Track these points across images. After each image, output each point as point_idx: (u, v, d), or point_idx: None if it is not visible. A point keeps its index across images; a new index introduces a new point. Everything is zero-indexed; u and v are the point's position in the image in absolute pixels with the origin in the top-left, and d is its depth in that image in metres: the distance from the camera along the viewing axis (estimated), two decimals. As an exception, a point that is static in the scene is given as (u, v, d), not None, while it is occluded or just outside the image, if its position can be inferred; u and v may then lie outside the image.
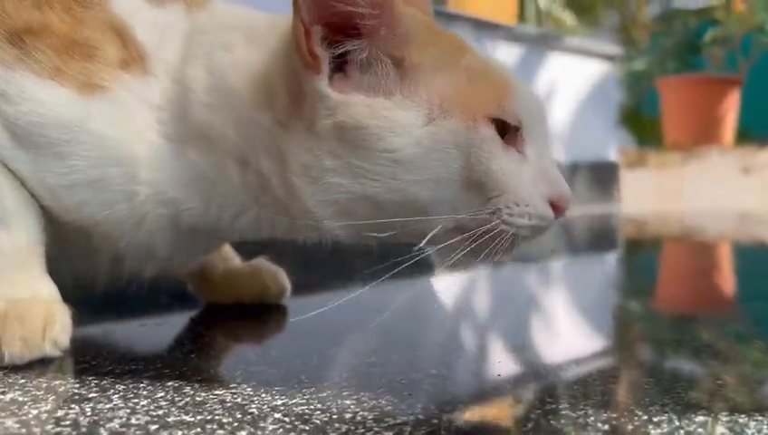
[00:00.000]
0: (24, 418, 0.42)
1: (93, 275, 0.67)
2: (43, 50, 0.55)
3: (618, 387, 0.53)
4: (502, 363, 0.59)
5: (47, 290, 0.58)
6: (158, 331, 0.70)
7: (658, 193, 3.46)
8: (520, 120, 0.54)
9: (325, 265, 1.19)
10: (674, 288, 1.12)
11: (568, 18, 4.54)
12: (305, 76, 0.53)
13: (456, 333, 0.73)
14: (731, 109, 3.60)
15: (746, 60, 3.65)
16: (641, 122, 4.82)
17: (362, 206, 0.54)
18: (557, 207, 0.56)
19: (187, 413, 0.43)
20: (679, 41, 4.61)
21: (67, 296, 0.59)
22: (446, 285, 1.06)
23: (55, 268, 0.60)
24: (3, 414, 0.42)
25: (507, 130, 0.54)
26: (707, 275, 1.26)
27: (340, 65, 0.54)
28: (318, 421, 0.42)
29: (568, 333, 0.74)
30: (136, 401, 0.46)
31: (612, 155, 3.08)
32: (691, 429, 0.41)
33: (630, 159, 3.48)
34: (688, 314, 0.85)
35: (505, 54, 2.53)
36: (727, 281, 1.21)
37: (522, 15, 3.93)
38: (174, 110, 0.57)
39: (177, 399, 0.46)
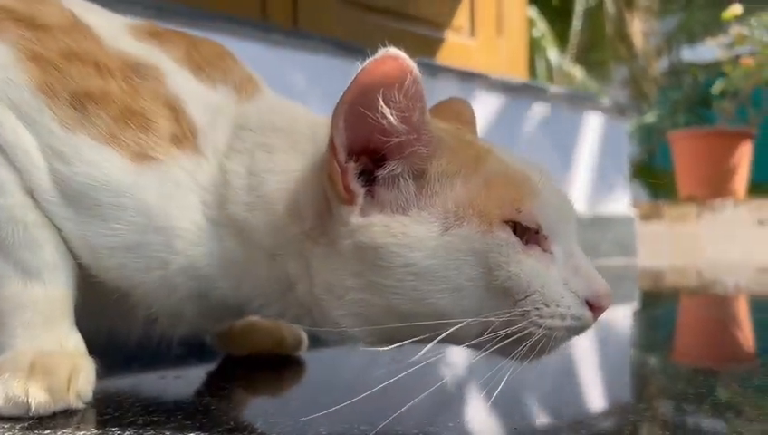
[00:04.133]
0: (50, 468, 0.43)
1: (127, 332, 0.68)
2: (102, 116, 0.57)
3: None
4: (519, 419, 0.59)
5: (73, 343, 0.59)
6: (177, 383, 0.71)
7: (674, 245, 3.44)
8: (539, 221, 0.53)
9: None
10: (692, 342, 1.11)
11: (578, 73, 4.63)
12: (335, 204, 0.53)
13: (472, 388, 0.73)
14: (743, 161, 3.62)
15: (757, 113, 3.68)
16: (654, 175, 4.84)
17: (386, 316, 0.53)
18: (595, 306, 0.54)
19: (209, 464, 0.44)
20: (689, 94, 4.67)
21: (95, 349, 0.60)
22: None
23: (89, 323, 0.62)
24: (29, 464, 0.43)
25: (528, 231, 0.53)
26: (726, 328, 1.25)
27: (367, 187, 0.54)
28: (338, 473, 0.42)
29: (585, 388, 0.74)
30: (159, 452, 0.46)
31: (628, 208, 3.08)
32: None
33: (645, 212, 3.48)
34: (707, 368, 0.84)
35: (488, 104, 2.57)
36: (746, 334, 1.20)
37: (533, 71, 4.01)
38: (217, 195, 0.59)
39: (199, 450, 0.47)
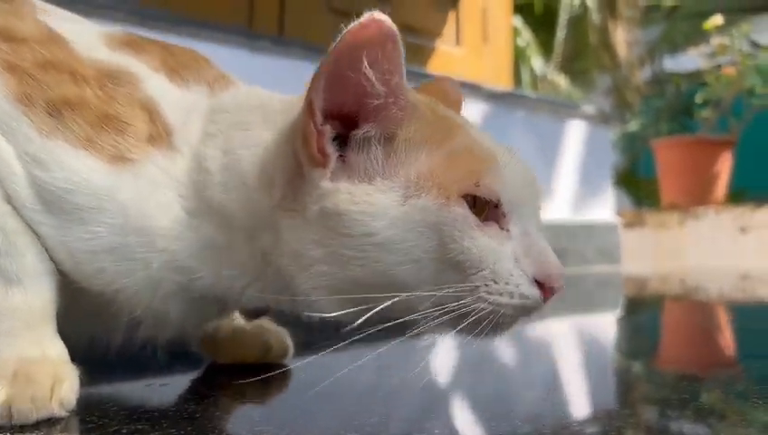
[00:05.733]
0: (33, 477, 0.42)
1: (109, 339, 0.68)
2: (78, 121, 0.58)
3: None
4: (503, 426, 0.59)
5: (56, 350, 0.59)
6: (163, 391, 0.70)
7: (658, 252, 3.48)
8: (500, 196, 0.53)
9: (327, 325, 1.19)
10: (676, 348, 1.12)
11: (562, 82, 4.67)
12: (308, 168, 0.54)
13: (457, 394, 0.73)
14: (725, 169, 3.67)
15: (738, 122, 3.74)
16: (637, 183, 4.89)
17: (352, 289, 0.54)
18: (545, 287, 0.54)
19: (194, 472, 0.43)
20: (672, 103, 4.73)
21: (78, 357, 0.60)
22: (446, 346, 1.06)
23: (72, 330, 0.62)
24: (12, 474, 0.43)
25: (487, 207, 0.53)
26: (709, 334, 1.26)
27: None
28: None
29: (569, 394, 0.74)
30: (143, 460, 0.46)
31: (611, 215, 3.11)
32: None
33: (628, 220, 3.51)
34: (691, 374, 0.85)
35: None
36: (728, 340, 1.21)
37: (517, 79, 4.04)
38: (194, 186, 0.60)
39: (184, 458, 0.46)
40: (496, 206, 0.54)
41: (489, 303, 0.52)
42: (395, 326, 0.54)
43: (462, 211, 0.52)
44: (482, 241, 0.52)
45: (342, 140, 0.55)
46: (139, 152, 0.59)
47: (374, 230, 0.52)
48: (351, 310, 0.54)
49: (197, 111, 0.63)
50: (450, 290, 0.52)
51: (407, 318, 0.54)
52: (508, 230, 0.54)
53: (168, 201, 0.59)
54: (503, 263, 0.53)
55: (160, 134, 0.60)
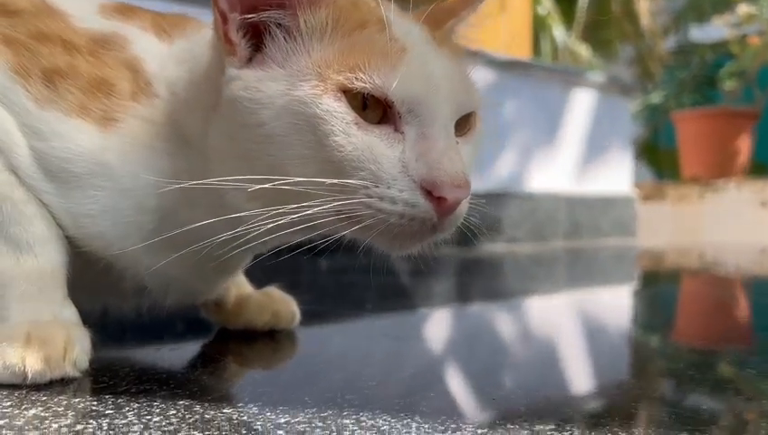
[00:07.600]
0: (45, 431, 0.44)
1: (119, 306, 0.70)
2: (71, 90, 0.59)
3: (636, 423, 0.51)
4: (515, 394, 0.59)
5: (68, 313, 0.61)
6: (172, 355, 0.72)
7: (677, 226, 3.44)
8: (387, 94, 0.50)
9: (334, 294, 1.20)
10: (693, 322, 1.11)
11: (584, 52, 4.59)
12: (224, 60, 0.54)
13: (464, 360, 0.74)
14: (747, 142, 3.60)
15: (763, 93, 3.65)
16: (658, 155, 4.82)
17: (261, 190, 0.52)
18: (438, 198, 0.50)
19: (196, 429, 0.45)
20: (695, 74, 4.63)
21: (90, 323, 0.61)
22: (463, 314, 1.06)
23: (83, 298, 0.63)
24: (26, 428, 0.45)
25: (382, 106, 0.51)
26: (726, 308, 1.25)
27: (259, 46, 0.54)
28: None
29: (585, 367, 0.74)
30: (149, 417, 0.48)
31: (629, 188, 3.08)
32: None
33: (648, 192, 3.47)
34: (707, 348, 0.84)
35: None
36: (745, 314, 1.20)
37: (537, 50, 3.97)
38: (170, 119, 0.60)
39: (187, 416, 0.48)
40: (390, 106, 0.51)
41: (370, 207, 0.50)
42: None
43: (335, 105, 0.50)
44: (359, 139, 0.50)
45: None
46: (123, 110, 0.60)
47: (263, 120, 0.51)
48: (261, 210, 0.52)
49: (174, 57, 0.63)
50: (331, 189, 0.50)
51: (312, 223, 0.52)
52: (402, 133, 0.51)
53: (153, 154, 0.59)
54: (384, 165, 0.50)
55: (141, 87, 0.61)
